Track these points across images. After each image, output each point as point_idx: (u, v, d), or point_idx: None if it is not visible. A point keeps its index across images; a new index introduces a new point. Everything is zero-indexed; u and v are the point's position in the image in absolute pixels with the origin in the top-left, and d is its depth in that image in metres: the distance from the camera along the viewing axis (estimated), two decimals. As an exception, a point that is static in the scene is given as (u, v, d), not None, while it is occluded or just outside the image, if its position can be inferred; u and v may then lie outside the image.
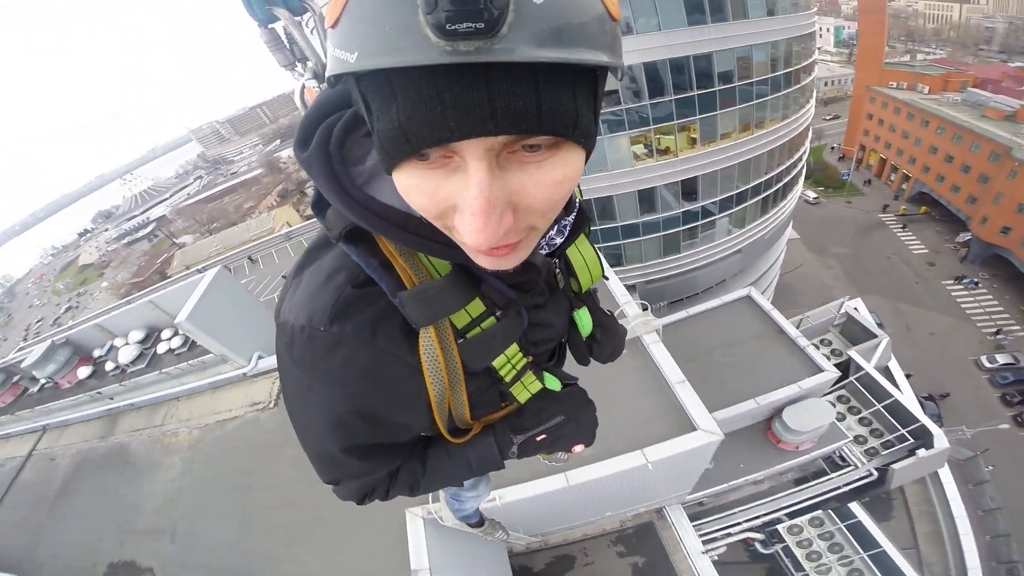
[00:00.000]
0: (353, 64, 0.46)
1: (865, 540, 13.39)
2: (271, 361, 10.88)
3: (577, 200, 0.98)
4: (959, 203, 37.86)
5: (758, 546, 14.13)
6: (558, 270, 1.03)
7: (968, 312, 32.74)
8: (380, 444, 0.97)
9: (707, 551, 12.35)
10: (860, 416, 14.87)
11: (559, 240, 0.96)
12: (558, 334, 1.14)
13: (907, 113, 41.99)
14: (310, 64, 1.12)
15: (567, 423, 1.16)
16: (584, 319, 1.20)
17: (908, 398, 16.13)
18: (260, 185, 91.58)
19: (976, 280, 33.73)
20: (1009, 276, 33.67)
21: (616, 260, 21.05)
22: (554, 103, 0.47)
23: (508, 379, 1.00)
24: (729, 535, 13.88)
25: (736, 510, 14.40)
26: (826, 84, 70.00)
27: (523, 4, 0.41)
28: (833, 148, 56.38)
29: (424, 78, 0.44)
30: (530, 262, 0.83)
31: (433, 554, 7.16)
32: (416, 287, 0.77)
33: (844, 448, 14.58)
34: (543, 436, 1.15)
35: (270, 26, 1.05)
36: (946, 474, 15.24)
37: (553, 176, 0.55)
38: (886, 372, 17.00)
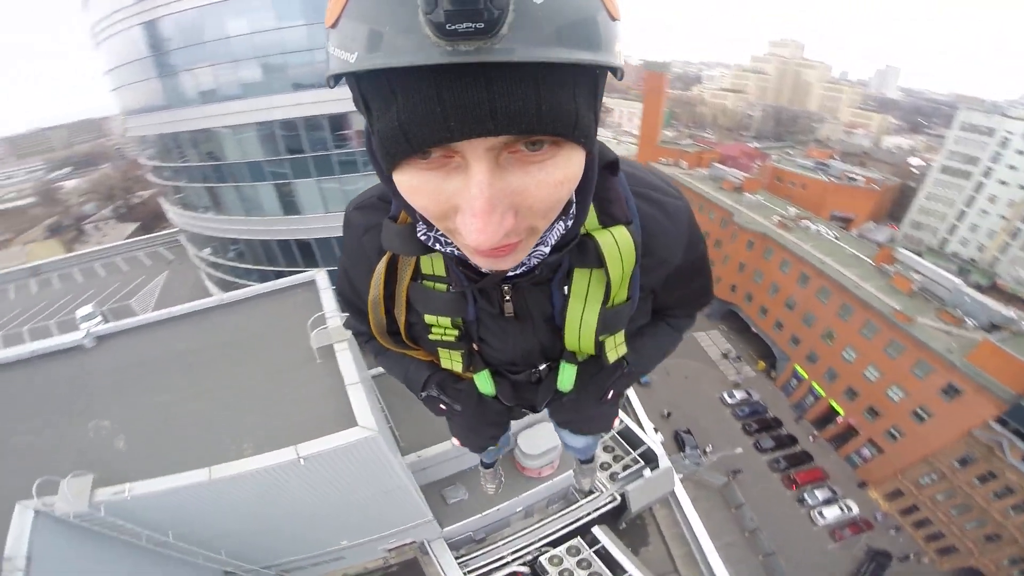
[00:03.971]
0: (353, 64, 0.47)
1: (614, 566, 14.39)
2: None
3: (566, 253, 0.90)
4: (701, 268, 45.85)
5: None
6: (507, 298, 1.01)
7: (712, 358, 40.63)
8: (357, 306, 1.24)
9: None
10: (603, 444, 16.04)
11: (519, 271, 0.88)
12: (511, 356, 1.15)
13: (668, 185, 50.06)
14: None
15: (457, 415, 1.32)
16: (565, 375, 1.18)
17: (646, 426, 17.78)
18: (26, 217, 74.77)
19: (739, 355, 41.16)
20: (740, 328, 42.67)
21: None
22: (554, 103, 0.49)
23: (433, 338, 1.11)
24: (498, 570, 14.35)
25: (500, 543, 14.63)
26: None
27: (523, 4, 0.42)
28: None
29: (424, 78, 0.46)
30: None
31: (40, 546, 7.51)
32: (393, 224, 0.90)
33: (589, 475, 15.47)
34: (443, 406, 1.31)
35: None
36: (684, 496, 17.10)
37: (554, 177, 0.56)
38: (626, 402, 19.05)
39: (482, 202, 0.53)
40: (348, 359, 10.88)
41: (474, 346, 1.15)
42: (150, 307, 25.16)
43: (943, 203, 54.40)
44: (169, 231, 38.14)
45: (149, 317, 13.26)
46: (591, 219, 0.92)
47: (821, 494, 29.11)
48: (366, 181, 19.33)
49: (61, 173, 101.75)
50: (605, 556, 14.29)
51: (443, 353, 1.18)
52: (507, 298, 1.02)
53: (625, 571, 13.70)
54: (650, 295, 1.16)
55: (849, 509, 28.36)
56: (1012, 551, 24.25)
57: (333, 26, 0.49)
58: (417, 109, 0.47)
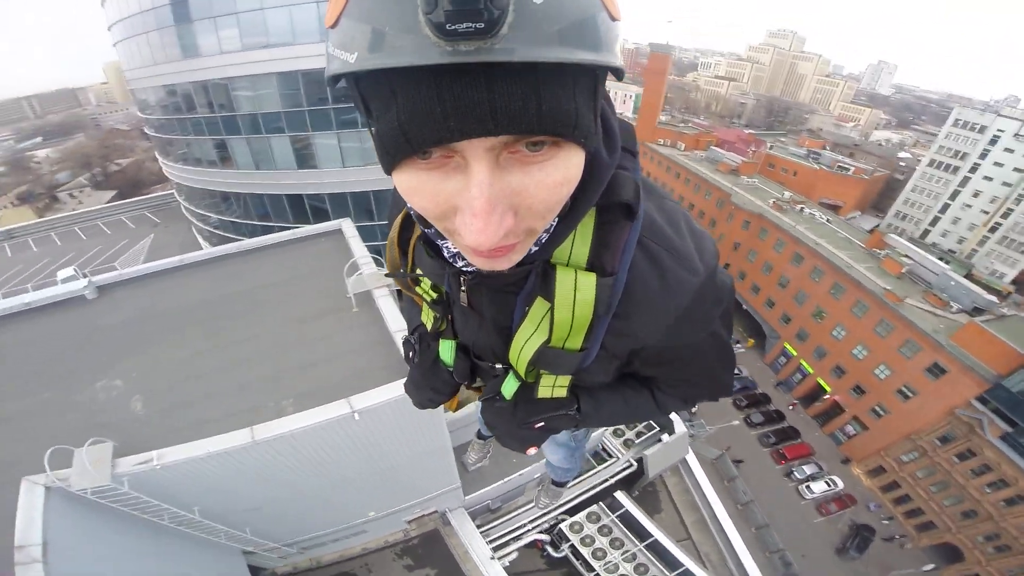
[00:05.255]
0: (353, 64, 0.46)
1: (637, 531, 14.49)
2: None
3: (530, 270, 0.87)
4: (694, 249, 46.95)
5: (550, 549, 14.49)
6: (464, 288, 0.99)
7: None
8: None
9: (498, 556, 12.53)
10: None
11: (470, 268, 0.88)
12: (468, 339, 1.18)
13: (666, 166, 51.48)
14: None
15: (413, 366, 1.39)
16: (508, 384, 1.16)
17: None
18: (-5, 184, 71.81)
19: (738, 340, 41.01)
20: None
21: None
22: (554, 103, 0.48)
23: (419, 291, 1.16)
24: (518, 539, 14.09)
25: (519, 511, 14.42)
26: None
27: (523, 4, 0.42)
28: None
29: (424, 78, 0.45)
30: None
31: (55, 528, 6.36)
32: None
33: (605, 441, 15.45)
34: (411, 353, 1.37)
35: None
36: (695, 463, 17.12)
37: (554, 178, 0.55)
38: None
39: (482, 202, 0.52)
40: (390, 304, 10.14)
41: (450, 316, 1.16)
42: (138, 269, 24.30)
43: (928, 195, 55.78)
44: (155, 195, 36.22)
45: (156, 265, 12.12)
46: (579, 255, 0.83)
47: (808, 469, 29.96)
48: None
49: (32, 143, 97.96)
50: (626, 521, 14.22)
51: (424, 307, 1.22)
52: (463, 288, 0.98)
53: (651, 535, 13.62)
54: (615, 360, 1.04)
55: (834, 484, 29.21)
56: (987, 528, 25.34)
57: (333, 26, 0.48)
58: (417, 109, 0.46)
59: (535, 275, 0.87)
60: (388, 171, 0.56)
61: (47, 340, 10.11)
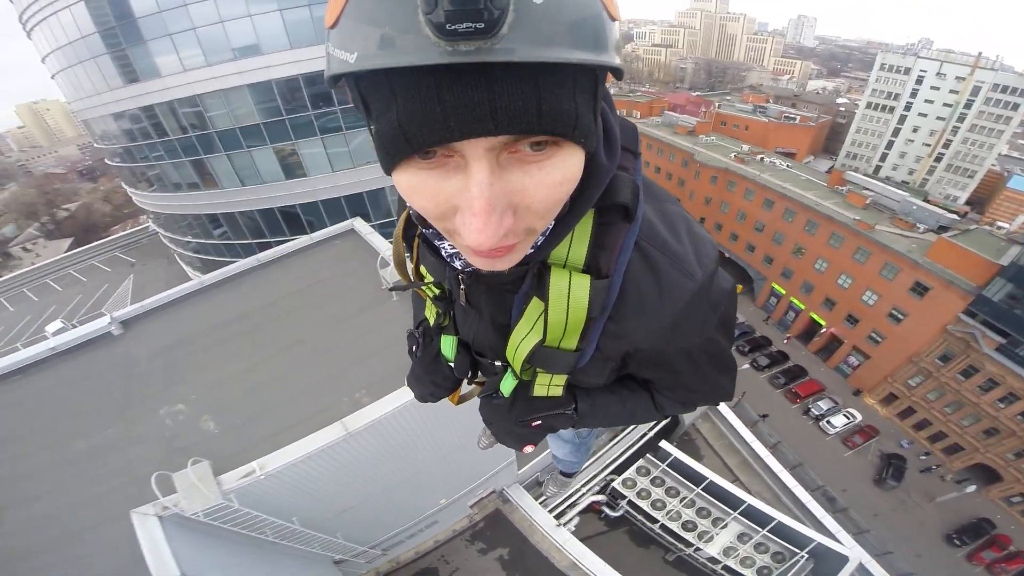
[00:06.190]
0: (353, 64, 0.46)
1: (690, 476, 14.35)
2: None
3: (527, 271, 0.87)
4: (667, 205, 48.38)
5: (607, 510, 14.47)
6: (463, 287, 1.00)
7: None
8: None
9: (562, 524, 12.52)
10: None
11: (468, 268, 0.90)
12: (468, 335, 1.17)
13: (627, 136, 51.08)
14: None
15: (415, 361, 1.39)
16: (507, 382, 1.14)
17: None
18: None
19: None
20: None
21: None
22: (554, 103, 0.48)
23: (422, 287, 1.12)
24: (575, 505, 14.09)
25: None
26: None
27: (523, 4, 0.41)
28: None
29: (424, 78, 0.45)
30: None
31: (186, 559, 6.04)
32: None
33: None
34: (414, 347, 1.37)
35: None
36: (723, 407, 17.47)
37: (553, 177, 0.55)
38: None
39: (482, 202, 0.52)
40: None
41: (451, 312, 1.16)
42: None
43: (872, 135, 58.86)
44: (123, 233, 35.14)
45: (174, 292, 11.94)
46: (576, 256, 0.82)
47: (824, 405, 30.23)
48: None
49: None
50: (676, 469, 14.27)
51: (427, 302, 1.21)
52: (462, 287, 1.00)
53: (705, 478, 13.74)
54: (609, 361, 1.04)
55: (853, 417, 29.49)
56: (1014, 443, 25.05)
57: (333, 26, 0.48)
58: (417, 109, 0.46)
59: (531, 275, 0.86)
60: (388, 171, 0.55)
61: (86, 380, 9.79)
